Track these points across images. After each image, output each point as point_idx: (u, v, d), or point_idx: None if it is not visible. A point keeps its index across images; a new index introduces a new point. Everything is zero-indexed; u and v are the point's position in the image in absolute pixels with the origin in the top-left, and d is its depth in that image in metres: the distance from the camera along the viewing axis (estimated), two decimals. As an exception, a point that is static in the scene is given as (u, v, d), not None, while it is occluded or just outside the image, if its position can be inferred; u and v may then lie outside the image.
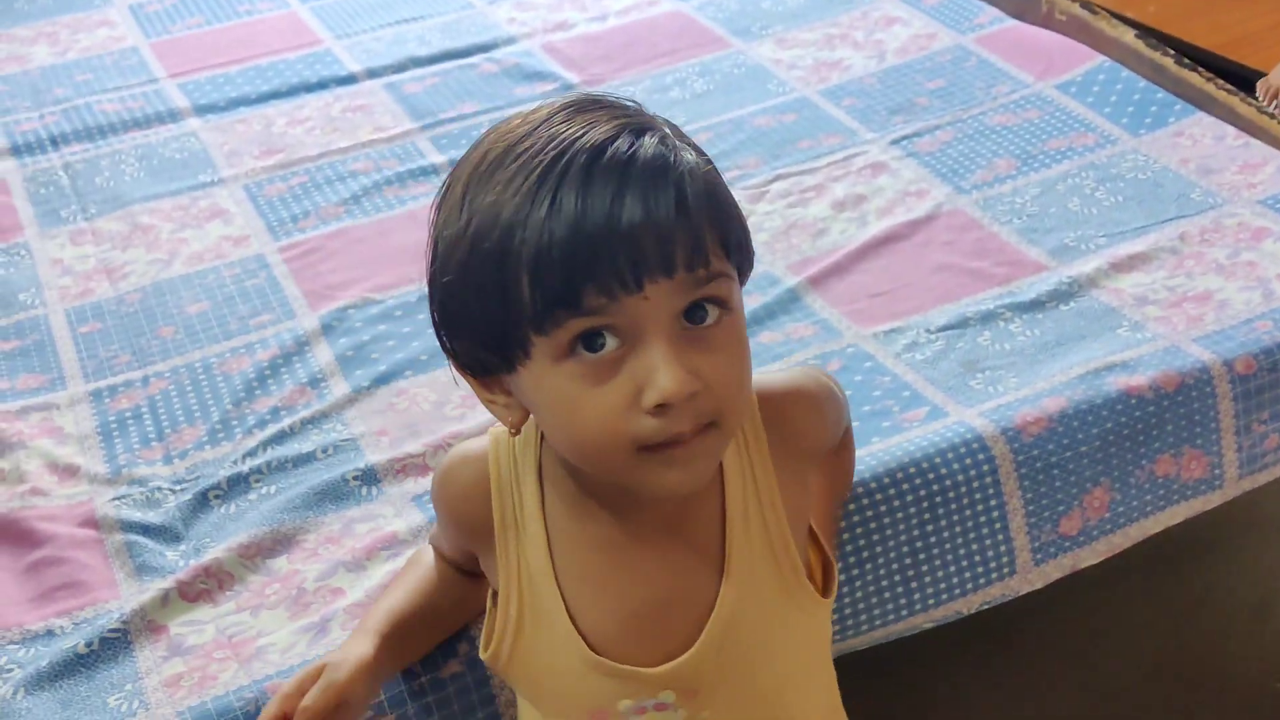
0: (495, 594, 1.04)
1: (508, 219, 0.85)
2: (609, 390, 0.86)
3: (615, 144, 0.85)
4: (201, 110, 2.19)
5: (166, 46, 2.41)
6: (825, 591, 1.05)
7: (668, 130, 0.89)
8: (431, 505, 1.12)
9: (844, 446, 1.24)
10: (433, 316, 0.92)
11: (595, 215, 0.83)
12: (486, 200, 0.86)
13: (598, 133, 0.85)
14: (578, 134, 0.86)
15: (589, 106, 0.89)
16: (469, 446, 1.05)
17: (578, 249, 0.83)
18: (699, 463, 0.90)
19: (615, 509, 0.97)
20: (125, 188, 2.00)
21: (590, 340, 0.86)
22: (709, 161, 0.91)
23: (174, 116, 2.18)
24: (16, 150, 2.11)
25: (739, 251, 0.90)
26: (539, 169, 0.85)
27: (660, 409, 0.86)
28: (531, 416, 0.94)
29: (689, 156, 0.87)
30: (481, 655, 1.04)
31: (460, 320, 0.90)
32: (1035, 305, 1.59)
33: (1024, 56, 2.10)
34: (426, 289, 0.92)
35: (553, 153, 0.85)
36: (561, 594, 0.99)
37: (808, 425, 1.05)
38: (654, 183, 0.84)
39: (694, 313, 0.87)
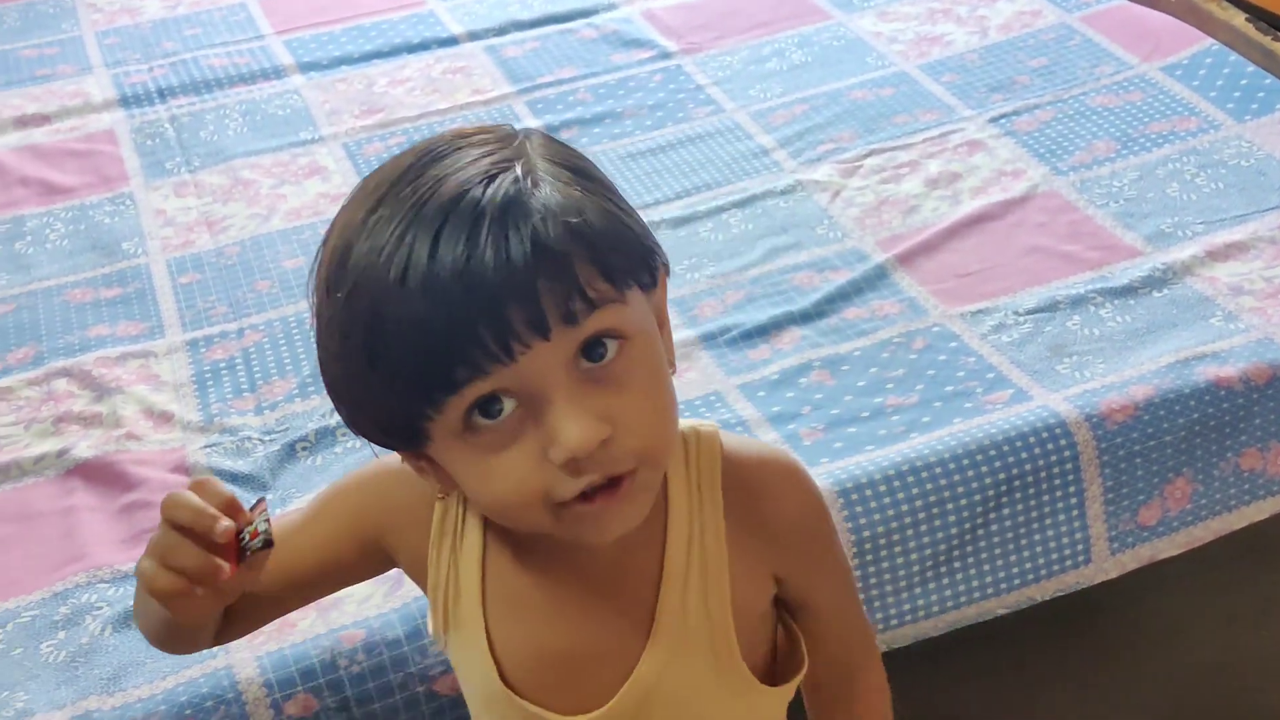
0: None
1: (368, 305, 0.77)
2: (516, 454, 0.79)
3: (464, 198, 0.77)
4: (305, 68, 2.22)
5: (274, 3, 2.44)
6: (777, 679, 0.97)
7: (529, 163, 0.80)
8: (333, 501, 0.98)
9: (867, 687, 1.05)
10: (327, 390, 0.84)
11: (447, 286, 0.75)
12: (351, 273, 0.78)
13: (449, 184, 0.78)
14: (429, 188, 0.78)
15: (450, 148, 0.81)
16: (409, 470, 0.96)
17: (438, 329, 0.75)
18: (625, 507, 0.82)
19: (548, 551, 0.91)
20: (228, 142, 2.04)
21: (486, 407, 0.79)
22: (586, 181, 0.82)
23: (278, 73, 2.21)
24: (125, 101, 2.16)
25: (629, 273, 0.81)
26: (391, 237, 0.77)
27: (571, 464, 0.79)
28: None
29: (545, 192, 0.78)
30: (431, 633, 0.99)
31: (355, 410, 0.82)
32: (1127, 291, 1.57)
33: (1130, 37, 2.06)
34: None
35: (404, 218, 0.77)
36: (485, 617, 0.93)
37: (776, 499, 0.93)
38: (507, 234, 0.76)
39: (591, 350, 0.79)
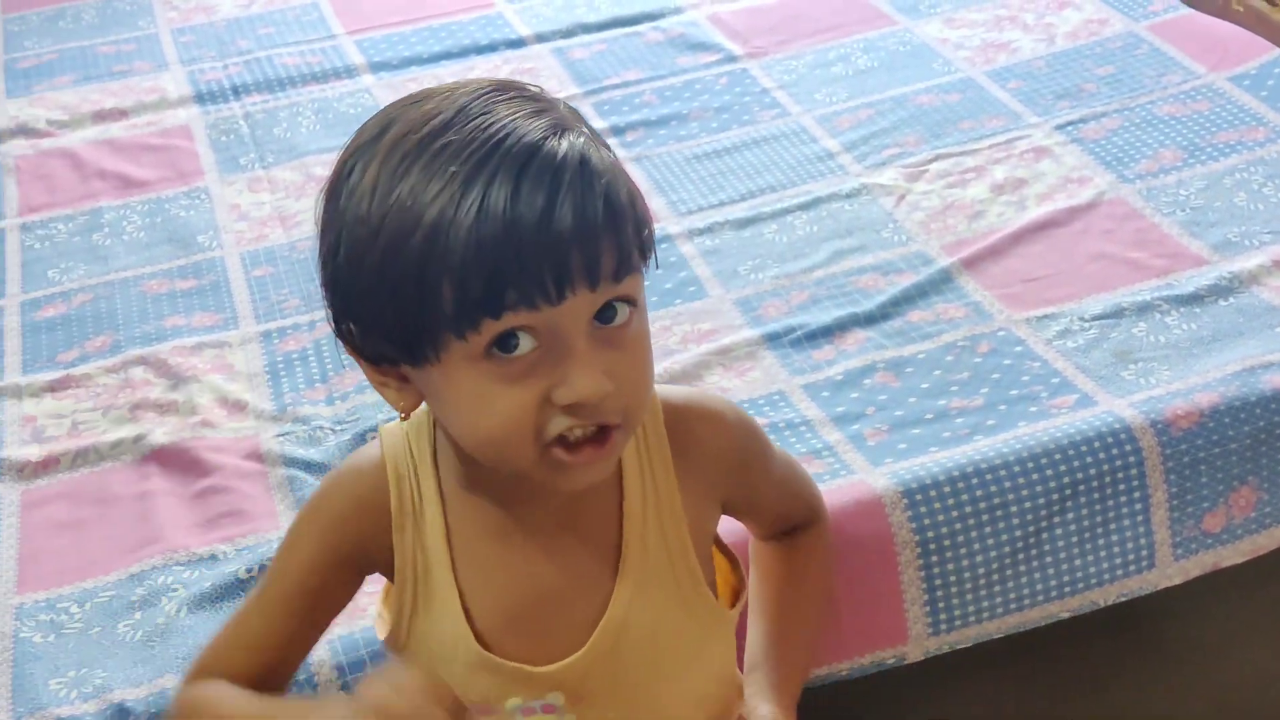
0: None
1: (431, 221, 0.81)
2: (521, 389, 0.85)
3: (544, 146, 0.82)
4: (376, 67, 2.26)
5: (345, 4, 2.48)
6: (731, 603, 1.04)
7: (584, 127, 0.87)
8: (298, 537, 1.02)
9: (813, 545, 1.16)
10: (326, 298, 0.89)
11: (524, 224, 0.81)
12: (403, 195, 0.82)
13: (522, 131, 0.83)
14: (502, 130, 0.83)
15: (503, 95, 0.86)
16: (359, 460, 1.01)
17: (504, 258, 0.81)
18: (600, 462, 0.88)
19: (509, 499, 0.96)
20: (301, 139, 2.08)
21: (505, 341, 0.84)
22: (618, 159, 0.88)
23: (350, 72, 2.25)
24: (200, 98, 2.20)
25: (649, 248, 0.88)
26: (465, 168, 0.82)
27: (574, 407, 0.85)
28: (424, 405, 0.92)
29: (607, 156, 0.86)
30: (380, 636, 1.03)
31: (366, 315, 0.86)
32: (1193, 299, 1.57)
33: (1197, 46, 2.06)
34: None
35: (478, 152, 0.82)
36: (458, 584, 0.97)
37: (712, 438, 1.02)
38: (584, 190, 0.82)
39: (605, 312, 0.86)
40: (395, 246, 0.82)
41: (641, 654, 1.00)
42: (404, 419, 0.94)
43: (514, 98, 0.86)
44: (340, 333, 0.90)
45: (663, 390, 1.01)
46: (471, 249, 0.81)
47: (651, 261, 0.90)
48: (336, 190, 0.87)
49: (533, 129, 0.83)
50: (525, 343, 0.84)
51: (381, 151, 0.84)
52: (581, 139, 0.85)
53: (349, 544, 0.99)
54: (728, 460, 1.03)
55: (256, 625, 1.02)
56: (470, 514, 0.97)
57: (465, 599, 0.97)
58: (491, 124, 0.83)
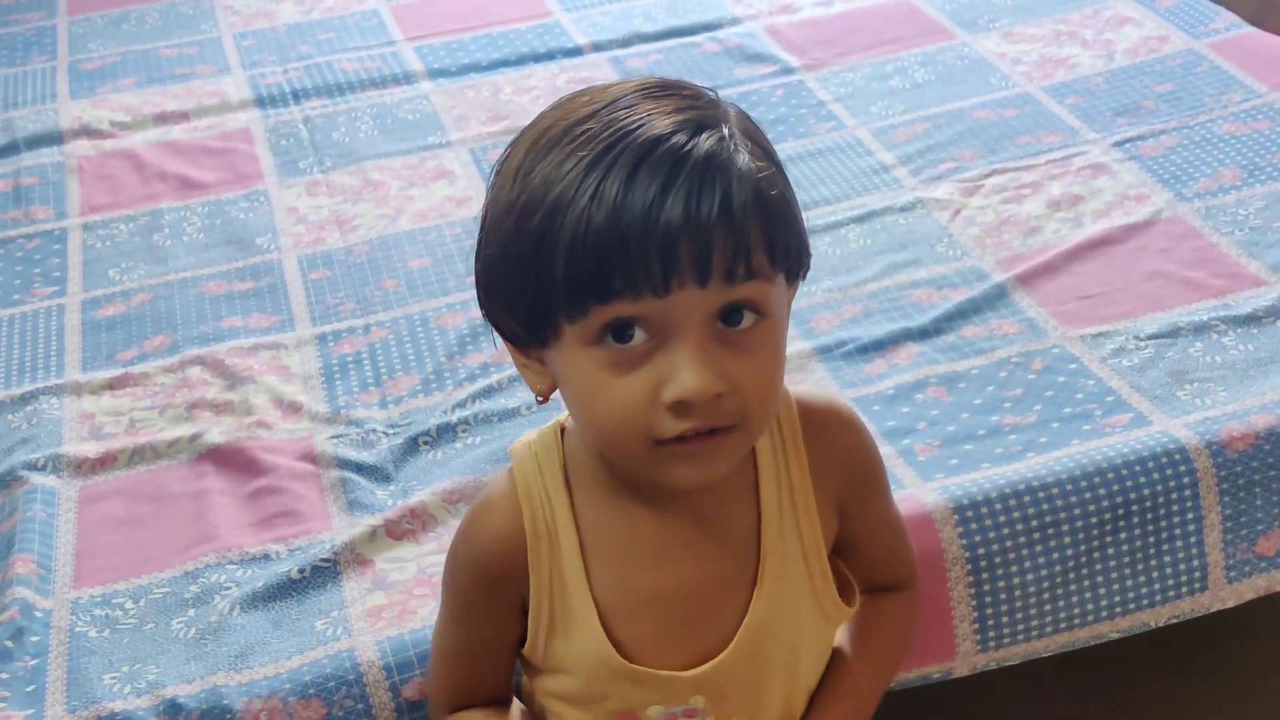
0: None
1: (553, 201, 0.84)
2: (632, 381, 0.86)
3: (670, 139, 0.83)
4: (434, 74, 2.27)
5: (406, 10, 2.50)
6: (849, 601, 1.05)
7: (731, 129, 0.87)
8: (453, 579, 1.05)
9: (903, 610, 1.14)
10: (476, 281, 0.92)
11: (634, 211, 0.82)
12: (538, 177, 0.85)
13: (657, 124, 0.84)
14: (636, 123, 0.84)
15: (659, 93, 0.88)
16: (492, 491, 1.02)
17: (611, 243, 0.82)
18: (714, 461, 0.89)
19: (646, 505, 0.96)
20: (359, 144, 2.09)
21: (620, 331, 0.85)
22: (772, 163, 0.88)
23: (408, 79, 2.27)
24: (261, 102, 2.23)
25: (786, 258, 0.88)
26: (591, 154, 0.84)
27: (680, 406, 0.85)
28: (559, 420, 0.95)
29: (744, 158, 0.85)
30: (525, 652, 1.04)
31: (498, 292, 0.90)
32: (1251, 319, 1.56)
33: (1259, 65, 2.04)
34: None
35: (607, 140, 0.84)
36: (595, 601, 0.98)
37: (846, 442, 1.03)
38: (701, 184, 0.83)
39: (730, 315, 0.86)
40: (520, 225, 0.86)
41: (779, 652, 1.01)
42: (541, 402, 0.95)
43: (667, 95, 0.88)
44: (484, 309, 0.92)
45: (798, 391, 1.02)
46: (582, 232, 0.83)
47: (794, 275, 0.90)
48: (494, 171, 0.91)
49: (666, 124, 0.84)
50: (638, 335, 0.85)
51: (531, 136, 0.89)
52: (717, 139, 0.85)
53: (499, 577, 1.01)
54: (855, 469, 1.04)
55: (464, 666, 1.07)
56: (605, 527, 0.98)
57: (604, 612, 0.98)
58: (630, 116, 0.85)
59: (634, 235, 0.82)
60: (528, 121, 0.94)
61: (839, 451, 1.02)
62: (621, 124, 0.84)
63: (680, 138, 0.84)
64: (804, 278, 0.94)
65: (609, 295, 0.83)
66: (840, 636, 1.10)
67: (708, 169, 0.83)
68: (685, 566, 0.98)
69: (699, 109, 0.87)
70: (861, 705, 1.07)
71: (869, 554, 1.09)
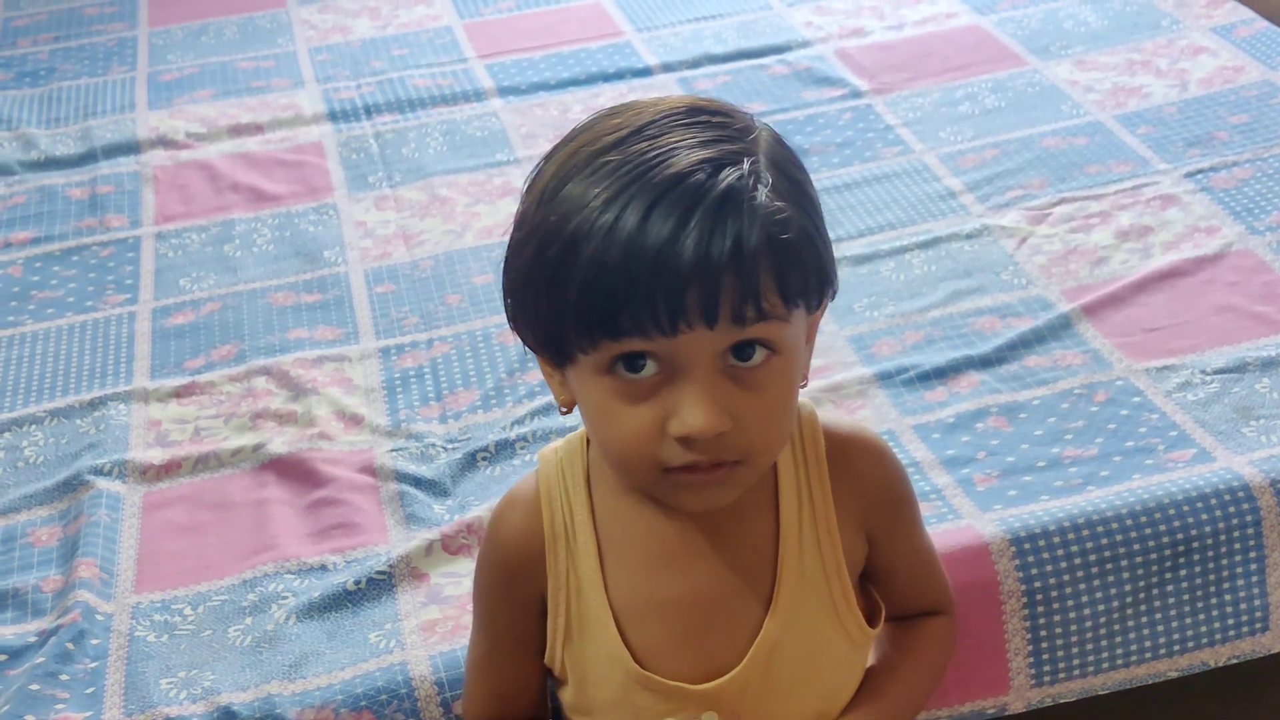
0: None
1: (569, 234, 0.84)
2: (641, 411, 0.87)
3: (689, 178, 0.83)
4: (504, 92, 2.29)
5: (478, 28, 2.53)
6: (872, 623, 1.04)
7: (756, 161, 0.86)
8: (477, 581, 1.07)
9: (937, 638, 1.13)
10: (503, 293, 0.93)
11: (645, 253, 0.82)
12: (559, 206, 0.86)
13: (678, 160, 0.84)
14: (658, 158, 0.84)
15: (689, 119, 0.87)
16: (515, 490, 1.04)
17: (621, 284, 0.83)
18: (718, 490, 0.90)
19: (664, 512, 0.97)
20: (428, 160, 2.12)
21: (632, 361, 0.86)
22: (798, 195, 0.88)
23: (479, 96, 2.29)
24: (334, 117, 2.26)
25: (803, 295, 0.88)
26: (610, 191, 0.84)
27: (685, 440, 0.86)
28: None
29: (763, 196, 0.85)
30: (545, 660, 1.05)
31: (520, 311, 0.91)
32: (1321, 357, 1.54)
33: (1338, 97, 2.01)
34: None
35: (626, 175, 0.84)
36: (611, 605, 0.99)
37: (870, 470, 1.03)
38: (713, 226, 0.83)
39: (741, 350, 0.86)
40: (540, 252, 0.87)
41: (793, 670, 1.01)
42: (565, 413, 0.97)
43: (698, 123, 0.87)
44: (510, 322, 0.94)
45: (827, 419, 1.02)
46: (594, 270, 0.84)
47: (815, 306, 0.91)
48: (527, 182, 0.92)
49: (689, 159, 0.84)
50: (650, 366, 0.86)
51: (561, 157, 0.89)
52: (737, 176, 0.85)
53: (518, 576, 1.03)
54: (881, 497, 1.04)
55: (491, 675, 1.08)
56: (624, 534, 0.99)
57: (620, 619, 0.99)
58: (654, 149, 0.85)
59: (643, 278, 0.83)
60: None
61: (864, 477, 1.02)
62: (644, 158, 0.84)
63: (699, 176, 0.84)
64: (831, 299, 0.94)
65: (618, 333, 0.85)
66: (872, 659, 1.10)
67: (721, 210, 0.83)
68: (699, 576, 0.98)
69: (727, 140, 0.87)
70: (901, 710, 1.06)
71: (900, 581, 1.09)
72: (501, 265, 0.94)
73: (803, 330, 0.92)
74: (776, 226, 0.85)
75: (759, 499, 1.00)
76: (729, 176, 0.84)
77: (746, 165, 0.86)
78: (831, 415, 1.04)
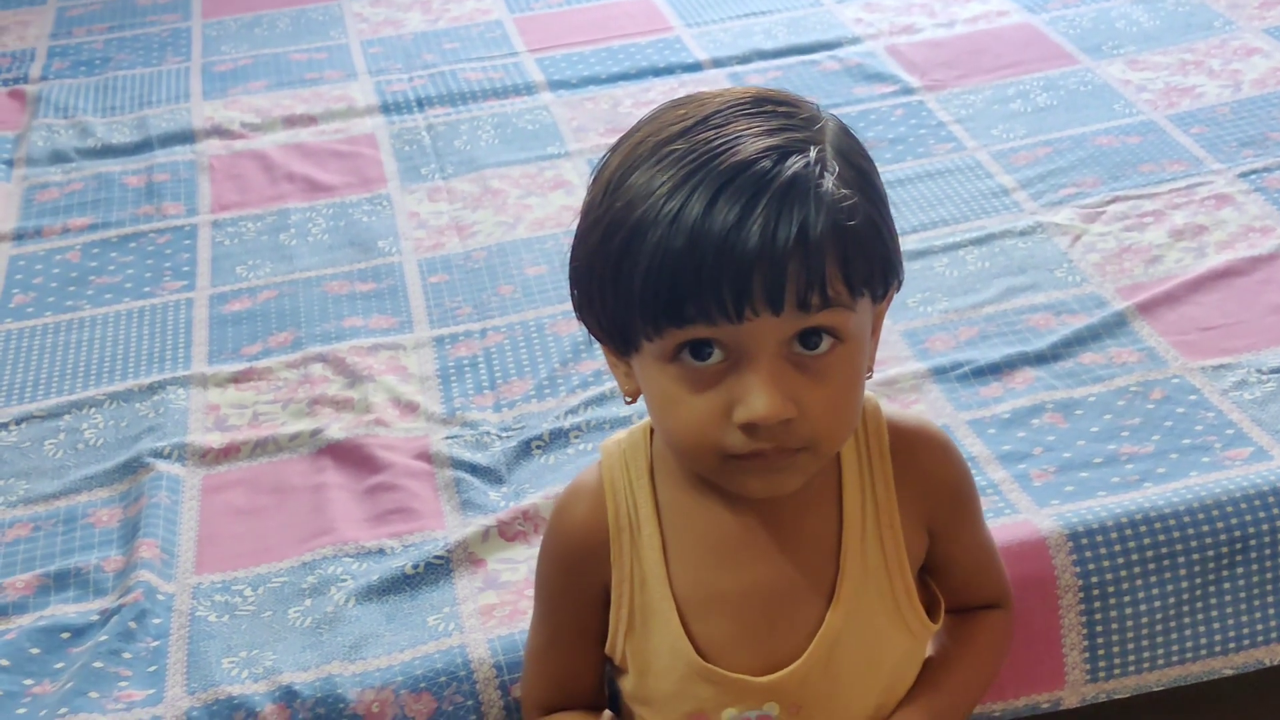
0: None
1: (634, 222, 0.85)
2: (706, 399, 0.87)
3: (755, 166, 0.83)
4: (555, 85, 2.30)
5: (528, 22, 2.54)
6: (932, 617, 1.04)
7: (823, 150, 0.86)
8: (540, 571, 1.08)
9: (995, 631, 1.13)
10: (570, 282, 0.94)
11: (710, 239, 0.82)
12: (624, 194, 0.86)
13: (744, 148, 0.84)
14: (724, 145, 0.84)
15: (754, 109, 0.87)
16: (578, 481, 1.05)
17: (686, 270, 0.83)
18: (783, 476, 0.90)
19: (728, 505, 0.97)
20: (480, 152, 2.13)
21: (698, 349, 0.86)
22: (865, 184, 0.87)
23: (529, 89, 2.30)
24: (386, 109, 2.27)
25: (868, 284, 0.88)
26: (675, 178, 0.84)
27: (749, 427, 0.86)
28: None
29: (829, 184, 0.85)
30: (606, 650, 1.06)
31: (585, 300, 0.92)
32: (1379, 357, 1.53)
33: (1395, 98, 2.00)
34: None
35: (692, 163, 0.84)
36: (674, 597, 0.99)
37: (933, 464, 1.03)
38: (779, 213, 0.83)
39: (808, 338, 0.87)
40: (605, 242, 0.87)
41: (854, 663, 1.01)
42: (630, 401, 0.97)
43: (763, 112, 0.87)
44: (577, 311, 0.94)
45: (891, 411, 1.03)
46: (659, 258, 0.84)
47: (880, 296, 0.91)
48: (593, 173, 0.93)
49: (755, 146, 0.85)
50: (716, 354, 0.86)
51: (628, 147, 0.90)
52: (803, 164, 0.85)
53: (582, 567, 1.03)
54: (943, 491, 1.04)
55: (551, 661, 1.09)
56: (687, 526, 0.99)
57: (683, 611, 0.99)
58: (720, 137, 0.85)
59: (708, 264, 0.83)
60: (642, 133, 0.94)
61: (927, 470, 1.03)
62: (709, 146, 0.85)
63: (765, 164, 0.84)
64: (897, 290, 0.94)
65: (684, 321, 0.85)
66: (930, 651, 1.10)
67: (787, 197, 0.83)
68: (762, 568, 0.98)
69: (793, 129, 0.87)
70: (946, 712, 1.06)
71: (960, 575, 1.09)
72: (567, 255, 0.95)
73: (868, 320, 0.92)
74: (842, 213, 0.85)
75: (823, 492, 1.00)
76: (795, 164, 0.84)
77: (813, 153, 0.86)
78: (895, 409, 1.04)
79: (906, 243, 1.82)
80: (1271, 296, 1.66)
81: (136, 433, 1.61)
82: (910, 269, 1.77)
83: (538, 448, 1.54)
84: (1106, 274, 1.72)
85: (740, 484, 0.92)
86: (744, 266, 0.83)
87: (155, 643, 1.32)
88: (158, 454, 1.56)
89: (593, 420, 1.57)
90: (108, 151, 2.21)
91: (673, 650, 1.00)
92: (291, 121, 2.25)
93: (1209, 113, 2.04)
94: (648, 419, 1.03)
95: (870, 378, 0.96)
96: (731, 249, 0.83)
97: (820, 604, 0.99)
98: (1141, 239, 1.78)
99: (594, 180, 0.92)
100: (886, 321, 1.66)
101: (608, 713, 1.11)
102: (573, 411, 1.59)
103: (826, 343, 0.87)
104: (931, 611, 1.06)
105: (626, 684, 1.06)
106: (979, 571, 1.11)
